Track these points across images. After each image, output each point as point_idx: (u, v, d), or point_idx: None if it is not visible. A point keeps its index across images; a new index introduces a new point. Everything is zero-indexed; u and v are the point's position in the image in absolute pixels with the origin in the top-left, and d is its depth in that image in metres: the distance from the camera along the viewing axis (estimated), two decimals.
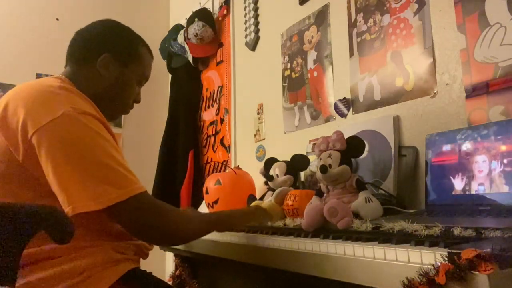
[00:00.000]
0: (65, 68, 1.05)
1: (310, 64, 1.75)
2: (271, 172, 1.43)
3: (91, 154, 0.83)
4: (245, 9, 2.25)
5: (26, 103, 0.85)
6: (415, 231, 0.75)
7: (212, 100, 2.54)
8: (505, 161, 0.93)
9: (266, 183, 1.47)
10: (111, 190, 0.81)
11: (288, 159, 1.44)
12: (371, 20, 1.46)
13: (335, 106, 1.57)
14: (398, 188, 1.22)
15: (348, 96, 1.53)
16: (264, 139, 2.04)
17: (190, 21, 2.44)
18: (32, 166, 0.83)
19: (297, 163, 1.42)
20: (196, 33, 2.40)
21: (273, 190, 1.36)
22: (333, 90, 1.61)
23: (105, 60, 1.03)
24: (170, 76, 2.86)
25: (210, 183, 1.74)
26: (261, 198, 1.48)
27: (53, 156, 0.81)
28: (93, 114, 0.88)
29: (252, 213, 1.18)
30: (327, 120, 1.63)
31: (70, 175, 0.80)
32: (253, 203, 1.38)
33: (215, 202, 1.70)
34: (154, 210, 0.88)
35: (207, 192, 1.74)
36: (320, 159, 1.09)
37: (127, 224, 0.87)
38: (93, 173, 0.81)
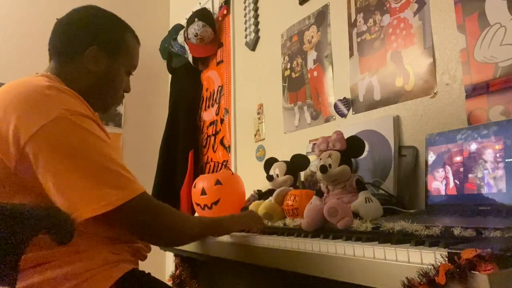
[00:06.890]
0: (50, 63, 1.00)
1: (310, 64, 1.74)
2: (271, 172, 1.43)
3: (89, 157, 0.81)
4: (245, 9, 2.25)
5: (15, 107, 0.81)
6: (415, 231, 0.75)
7: (212, 100, 2.54)
8: (505, 161, 0.93)
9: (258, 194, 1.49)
10: (113, 192, 0.80)
11: (288, 159, 1.44)
12: (371, 20, 1.46)
13: (335, 106, 1.57)
14: (398, 188, 1.22)
15: (348, 96, 1.53)
16: (264, 139, 2.04)
17: (190, 21, 2.44)
18: (26, 173, 0.80)
19: (297, 163, 1.42)
20: (196, 33, 2.40)
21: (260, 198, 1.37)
22: (333, 90, 1.61)
23: (92, 53, 0.98)
24: (170, 76, 2.86)
25: (206, 184, 1.71)
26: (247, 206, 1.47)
27: (51, 164, 0.78)
28: (86, 114, 0.85)
29: (245, 220, 1.12)
30: (327, 120, 1.63)
31: (70, 182, 0.78)
32: (253, 203, 1.38)
33: (215, 203, 1.68)
34: (154, 210, 0.88)
35: (204, 193, 1.70)
36: (320, 159, 1.09)
37: (128, 225, 0.87)
38: (94, 177, 0.80)
